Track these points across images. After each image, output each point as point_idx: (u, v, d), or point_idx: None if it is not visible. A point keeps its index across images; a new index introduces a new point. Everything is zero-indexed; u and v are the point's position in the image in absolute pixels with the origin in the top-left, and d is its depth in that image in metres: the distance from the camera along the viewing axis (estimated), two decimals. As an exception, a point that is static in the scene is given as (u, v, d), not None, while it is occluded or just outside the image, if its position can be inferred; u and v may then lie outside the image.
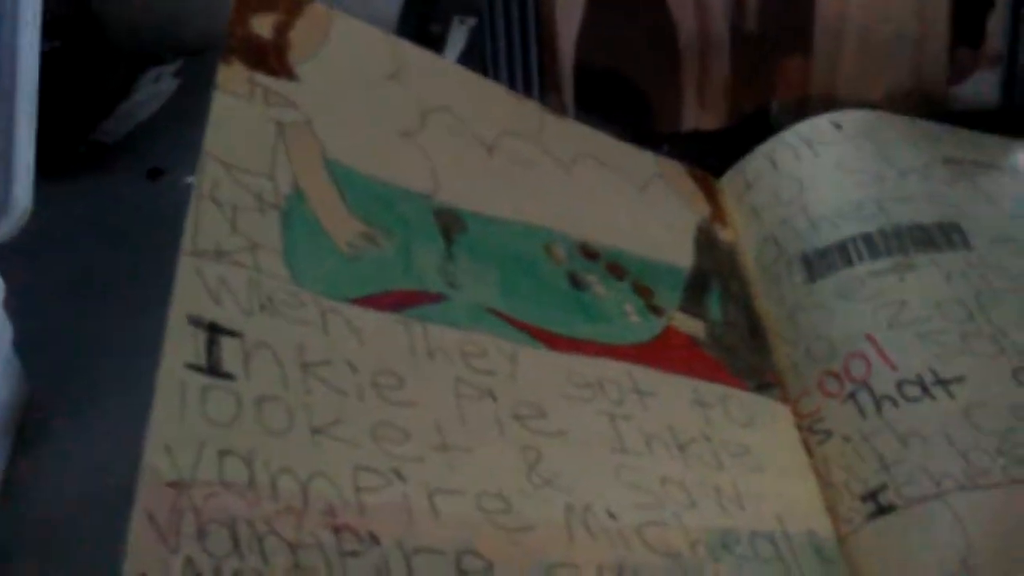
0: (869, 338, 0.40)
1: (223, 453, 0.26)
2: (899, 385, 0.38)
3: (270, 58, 0.37)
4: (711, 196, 0.48)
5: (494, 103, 0.43)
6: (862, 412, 0.38)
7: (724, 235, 0.46)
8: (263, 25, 0.37)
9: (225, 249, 0.31)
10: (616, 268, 0.41)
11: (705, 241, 0.45)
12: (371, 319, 0.33)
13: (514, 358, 0.35)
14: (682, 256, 0.44)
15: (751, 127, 0.51)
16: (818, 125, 0.48)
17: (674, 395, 0.37)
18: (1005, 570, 0.32)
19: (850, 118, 0.48)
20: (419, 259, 0.35)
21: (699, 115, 0.52)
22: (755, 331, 0.42)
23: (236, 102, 0.35)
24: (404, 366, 0.32)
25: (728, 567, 0.33)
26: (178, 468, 0.25)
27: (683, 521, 0.33)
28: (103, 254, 0.51)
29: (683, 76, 0.51)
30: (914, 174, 0.45)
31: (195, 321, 0.28)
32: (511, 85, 0.49)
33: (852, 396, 0.38)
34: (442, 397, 0.32)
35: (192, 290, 0.29)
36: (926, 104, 0.51)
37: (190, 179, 0.32)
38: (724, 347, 0.41)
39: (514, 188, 0.40)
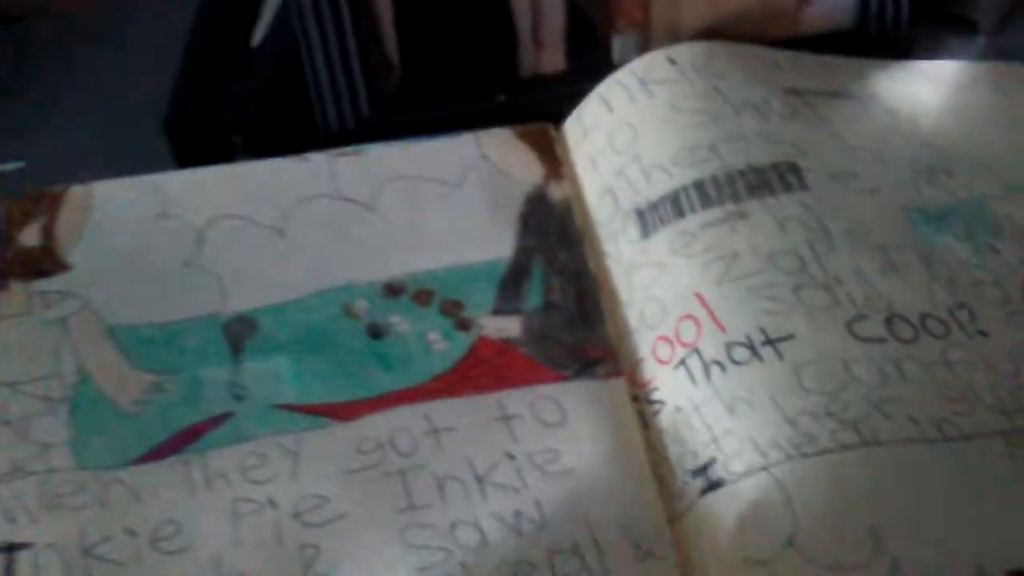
0: (698, 297, 0.37)
1: None
2: (728, 348, 0.35)
3: (43, 262, 0.40)
4: (546, 153, 0.45)
5: (278, 180, 0.43)
6: (692, 379, 0.36)
7: (558, 193, 0.43)
8: (31, 235, 0.41)
9: (18, 464, 0.35)
10: (423, 294, 0.40)
11: (534, 211, 0.42)
12: (151, 472, 0.36)
13: (298, 452, 0.36)
14: (502, 246, 0.41)
15: (595, 69, 0.47)
16: (653, 61, 0.44)
17: (474, 421, 0.37)
18: (833, 545, 0.31)
19: (685, 51, 0.44)
20: (206, 387, 0.38)
21: (536, 59, 0.48)
22: (584, 303, 0.40)
23: (15, 323, 0.39)
24: (181, 510, 0.35)
25: None
26: None
27: (470, 567, 0.33)
28: None
29: (516, 19, 0.47)
30: (750, 109, 0.42)
31: None
32: (324, 44, 0.46)
33: (683, 362, 0.36)
34: (219, 526, 0.34)
35: None
36: (778, 27, 0.48)
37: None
38: (542, 337, 0.39)
39: (311, 259, 0.41)
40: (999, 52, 0.50)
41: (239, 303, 0.40)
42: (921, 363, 0.34)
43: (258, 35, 0.52)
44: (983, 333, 0.35)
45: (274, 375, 0.38)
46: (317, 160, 0.44)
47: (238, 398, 0.37)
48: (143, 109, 0.48)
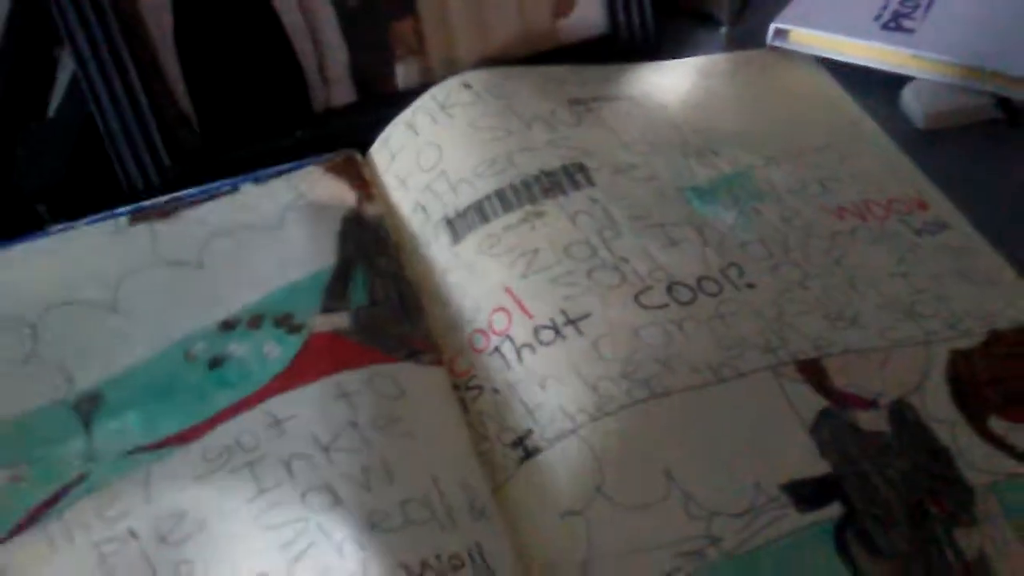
0: (507, 291, 0.41)
1: None
2: (535, 331, 0.39)
3: None
4: (356, 179, 0.48)
5: (101, 255, 0.45)
6: (507, 363, 0.39)
7: (372, 210, 0.47)
8: None
9: None
10: (254, 320, 0.43)
11: (350, 230, 0.45)
12: (12, 548, 0.36)
13: (147, 480, 0.37)
14: (324, 258, 0.44)
15: (384, 97, 0.51)
16: (450, 87, 0.49)
17: (314, 403, 0.38)
18: (634, 488, 0.35)
19: (479, 77, 0.49)
20: (60, 463, 0.38)
21: (327, 94, 0.51)
22: (405, 301, 0.43)
23: None
24: (50, 573, 0.35)
25: (378, 546, 0.34)
26: None
27: (326, 528, 0.35)
28: None
29: (300, 59, 0.50)
30: (539, 122, 0.47)
31: None
32: (116, 106, 0.48)
33: (497, 349, 0.40)
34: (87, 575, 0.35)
35: None
36: (540, 41, 0.53)
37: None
38: (371, 328, 0.41)
39: (145, 327, 0.43)
40: (740, 41, 0.56)
41: (84, 382, 0.41)
42: (699, 320, 0.39)
43: (53, 105, 0.54)
44: (751, 286, 0.40)
45: (124, 430, 0.39)
46: (136, 230, 0.46)
47: (92, 460, 0.38)
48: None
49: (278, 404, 0.39)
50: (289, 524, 0.35)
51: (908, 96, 0.50)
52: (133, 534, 0.36)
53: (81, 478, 0.38)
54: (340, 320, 0.42)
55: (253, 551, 0.35)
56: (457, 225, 0.44)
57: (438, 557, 0.34)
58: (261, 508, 0.36)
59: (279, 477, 0.36)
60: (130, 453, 0.39)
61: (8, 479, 0.38)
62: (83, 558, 0.36)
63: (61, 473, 0.38)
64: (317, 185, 0.48)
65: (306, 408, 0.38)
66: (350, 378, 0.39)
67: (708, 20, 0.58)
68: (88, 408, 0.40)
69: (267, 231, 0.46)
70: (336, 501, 0.35)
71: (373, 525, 0.34)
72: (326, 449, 0.37)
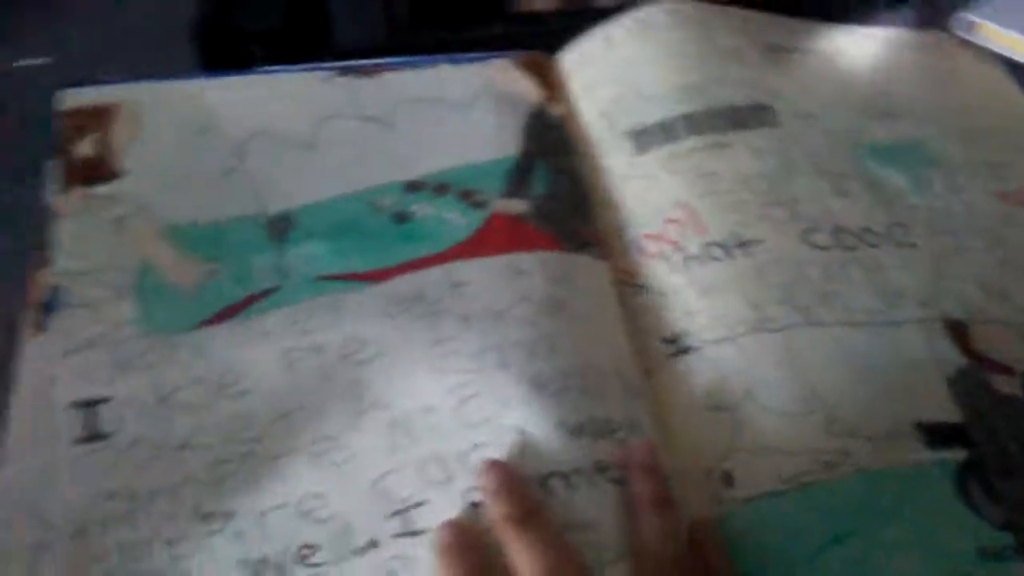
0: (684, 206, 0.44)
1: (109, 496, 0.36)
2: (706, 246, 0.43)
3: (97, 170, 0.45)
4: (544, 78, 0.51)
5: (306, 97, 0.49)
6: (672, 268, 0.43)
7: (556, 111, 0.50)
8: (85, 146, 0.45)
9: (91, 338, 0.40)
10: (441, 187, 0.46)
11: (535, 126, 0.49)
12: (211, 335, 0.41)
13: (337, 307, 0.41)
14: (508, 147, 0.48)
15: (584, 10, 0.54)
16: (654, 10, 0.51)
17: (492, 274, 0.42)
18: (782, 398, 0.38)
19: (683, 6, 0.52)
20: (253, 270, 0.43)
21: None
22: (579, 200, 0.46)
23: (75, 222, 0.43)
24: (242, 362, 0.40)
25: (540, 406, 0.38)
26: (75, 522, 0.36)
27: (496, 382, 0.39)
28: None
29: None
30: (735, 59, 0.50)
31: (75, 405, 0.38)
32: None
33: (664, 255, 0.43)
34: (275, 372, 0.40)
35: (69, 383, 0.39)
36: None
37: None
38: (548, 217, 0.45)
39: (337, 169, 0.46)
40: (925, 20, 0.58)
41: (277, 205, 0.45)
42: (860, 266, 0.42)
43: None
44: (913, 245, 0.43)
45: (313, 256, 0.43)
46: (340, 81, 0.49)
47: (283, 275, 0.42)
48: (166, 13, 0.52)
49: (459, 268, 0.42)
50: (461, 372, 0.39)
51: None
52: (320, 349, 0.40)
53: (272, 290, 0.42)
54: (520, 206, 0.45)
55: (424, 387, 0.39)
56: (642, 138, 0.47)
57: (593, 420, 0.38)
58: (437, 354, 0.40)
59: (456, 331, 0.40)
60: (319, 279, 0.42)
61: (206, 274, 0.42)
62: (272, 358, 0.40)
63: (253, 280, 0.42)
64: (508, 78, 0.51)
65: (484, 277, 0.42)
66: (525, 259, 0.43)
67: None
68: (280, 228, 0.44)
69: (457, 109, 0.49)
70: (505, 362, 0.39)
71: (537, 387, 0.38)
72: (499, 317, 0.41)
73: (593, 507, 0.36)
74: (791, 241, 0.43)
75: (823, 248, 0.43)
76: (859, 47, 0.54)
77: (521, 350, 0.40)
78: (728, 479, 0.37)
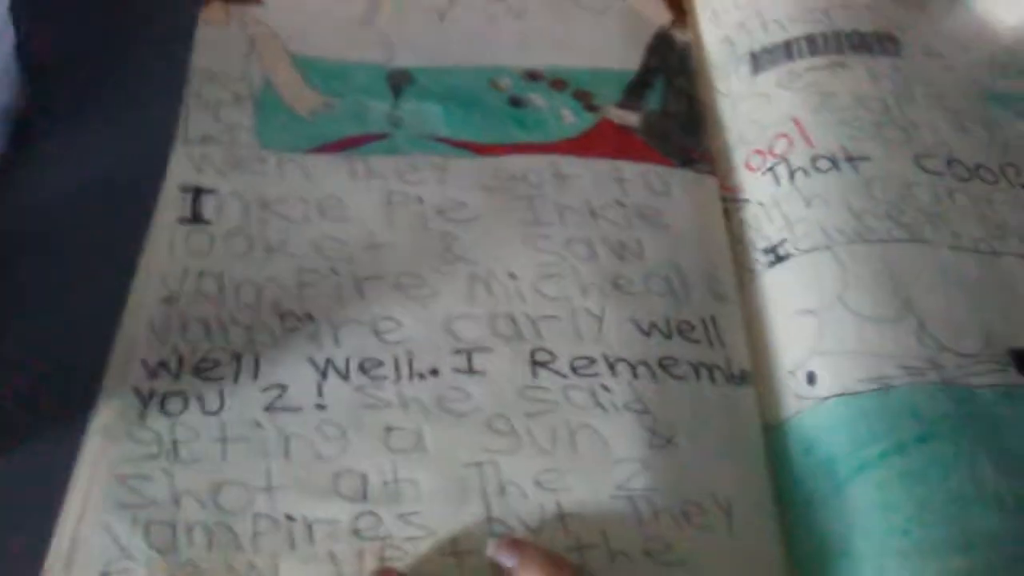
0: (796, 120, 0.44)
1: (201, 274, 0.39)
2: (814, 159, 0.43)
3: None
4: (674, 3, 0.52)
5: None
6: (777, 181, 0.43)
7: (682, 37, 0.51)
8: None
9: (209, 135, 0.43)
10: (559, 83, 0.48)
11: (660, 45, 0.50)
12: (321, 161, 0.43)
13: (444, 168, 0.43)
14: (631, 61, 0.49)
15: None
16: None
17: (594, 175, 0.44)
18: (873, 304, 0.38)
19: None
20: (369, 112, 0.45)
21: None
22: (693, 119, 0.47)
23: (215, 30, 0.47)
24: (345, 191, 0.42)
25: (616, 301, 0.39)
26: (168, 288, 0.38)
27: (579, 271, 0.40)
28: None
29: None
30: (864, -12, 0.49)
31: (184, 188, 0.41)
32: None
33: (771, 169, 0.43)
34: (375, 208, 0.41)
35: (182, 167, 0.42)
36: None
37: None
38: (657, 133, 0.46)
39: (463, 42, 0.48)
40: None
41: (401, 60, 0.47)
42: (970, 197, 0.42)
43: None
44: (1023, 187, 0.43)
45: (427, 114, 0.45)
46: None
47: (395, 125, 0.45)
48: None
49: (564, 162, 0.44)
50: (549, 253, 0.41)
51: None
52: (420, 200, 0.42)
53: (384, 136, 0.44)
54: (631, 118, 0.46)
55: (512, 256, 0.41)
56: (761, 58, 0.47)
57: (667, 321, 0.39)
58: (531, 233, 0.41)
59: (552, 218, 0.42)
60: (433, 140, 0.44)
61: (324, 106, 0.45)
62: (374, 194, 0.42)
63: (368, 122, 0.45)
64: None
65: (586, 175, 0.44)
66: (628, 167, 0.44)
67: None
68: (399, 81, 0.46)
69: (590, 12, 0.51)
70: (592, 255, 0.41)
71: (617, 285, 0.40)
72: (594, 214, 0.42)
73: (652, 394, 0.37)
74: (903, 161, 0.42)
75: (935, 173, 0.42)
76: (993, 2, 0.53)
77: (607, 247, 0.41)
78: (811, 378, 0.37)
